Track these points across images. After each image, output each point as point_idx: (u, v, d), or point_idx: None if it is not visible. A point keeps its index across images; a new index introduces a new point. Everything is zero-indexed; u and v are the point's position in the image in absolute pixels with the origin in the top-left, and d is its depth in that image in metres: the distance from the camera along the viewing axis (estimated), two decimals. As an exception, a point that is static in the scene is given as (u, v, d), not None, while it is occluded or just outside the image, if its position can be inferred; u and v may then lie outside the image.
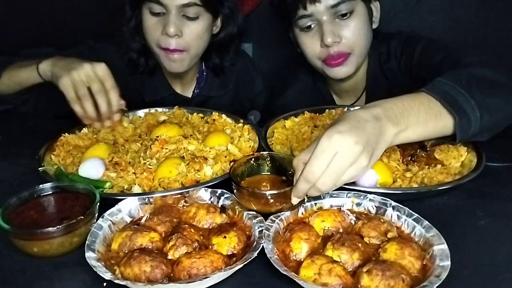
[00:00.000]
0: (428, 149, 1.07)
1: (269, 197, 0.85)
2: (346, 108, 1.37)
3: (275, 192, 0.86)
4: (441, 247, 0.75)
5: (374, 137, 0.80)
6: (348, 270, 0.73)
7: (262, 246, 0.76)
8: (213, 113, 1.34)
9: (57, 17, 1.94)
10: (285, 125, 1.28)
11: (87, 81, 1.13)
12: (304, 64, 1.46)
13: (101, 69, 1.14)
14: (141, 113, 1.37)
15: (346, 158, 0.76)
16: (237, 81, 1.65)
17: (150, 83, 1.54)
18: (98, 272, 0.71)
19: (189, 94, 1.61)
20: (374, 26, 1.39)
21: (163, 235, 0.82)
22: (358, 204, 0.90)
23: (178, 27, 1.31)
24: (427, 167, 1.04)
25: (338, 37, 1.27)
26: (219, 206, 0.91)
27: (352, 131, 0.77)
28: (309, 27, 1.31)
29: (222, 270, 0.72)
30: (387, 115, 0.83)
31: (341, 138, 0.76)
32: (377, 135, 0.80)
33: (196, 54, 1.42)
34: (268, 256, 0.74)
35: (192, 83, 1.61)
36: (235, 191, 0.89)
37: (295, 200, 0.83)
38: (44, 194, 0.89)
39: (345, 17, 1.28)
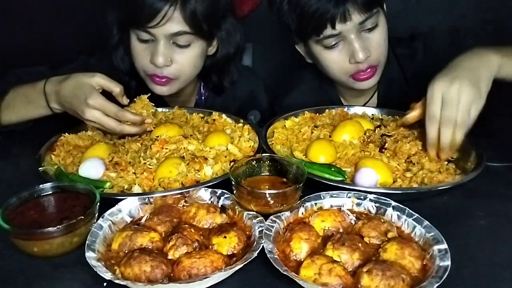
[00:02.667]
0: None
1: (268, 197, 0.85)
2: (346, 108, 1.37)
3: (275, 192, 0.86)
4: (441, 247, 0.75)
5: (480, 72, 1.00)
6: (348, 270, 0.73)
7: (262, 246, 0.76)
8: (213, 113, 1.34)
9: (50, 31, 1.88)
10: (285, 125, 1.28)
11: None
12: (309, 66, 1.44)
13: (95, 102, 1.07)
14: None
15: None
16: (241, 101, 1.58)
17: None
18: (98, 272, 0.71)
19: None
20: None
21: (163, 235, 0.82)
22: (358, 204, 0.90)
23: (167, 57, 1.24)
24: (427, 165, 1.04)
25: (369, 51, 1.24)
26: (219, 206, 0.91)
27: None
28: (334, 45, 1.26)
29: (222, 270, 0.72)
30: (489, 49, 1.02)
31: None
32: (482, 67, 1.00)
33: (187, 79, 1.36)
34: (268, 256, 0.74)
35: (190, 102, 1.54)
36: (235, 191, 0.89)
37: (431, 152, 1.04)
38: (44, 194, 0.89)
39: (370, 30, 1.25)
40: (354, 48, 1.23)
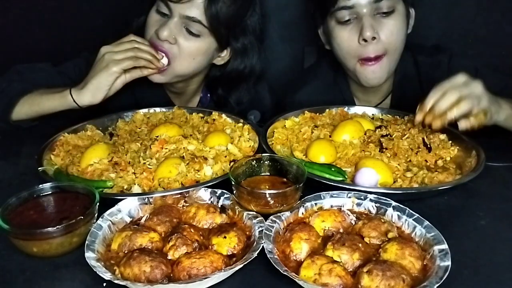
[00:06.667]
0: (429, 146, 1.12)
1: (268, 197, 0.85)
2: (347, 108, 1.37)
3: (275, 192, 0.86)
4: (441, 247, 0.75)
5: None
6: (349, 270, 0.73)
7: (262, 246, 0.76)
8: (213, 113, 1.34)
9: (54, 29, 1.88)
10: (285, 125, 1.28)
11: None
12: (325, 60, 1.43)
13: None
14: (140, 113, 1.37)
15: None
16: (245, 103, 1.55)
17: (150, 98, 1.47)
18: (97, 272, 0.71)
19: None
20: (408, 31, 1.36)
21: (163, 235, 0.82)
22: (359, 204, 0.90)
23: (172, 34, 1.26)
24: (427, 165, 1.04)
25: (377, 33, 1.24)
26: (219, 206, 0.91)
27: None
28: (347, 21, 1.27)
29: (222, 270, 0.72)
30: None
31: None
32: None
33: (180, 72, 1.34)
34: (268, 256, 0.74)
35: (194, 100, 1.56)
36: (235, 191, 0.89)
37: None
38: (43, 194, 0.89)
39: (385, 15, 1.25)
40: (363, 25, 1.23)
